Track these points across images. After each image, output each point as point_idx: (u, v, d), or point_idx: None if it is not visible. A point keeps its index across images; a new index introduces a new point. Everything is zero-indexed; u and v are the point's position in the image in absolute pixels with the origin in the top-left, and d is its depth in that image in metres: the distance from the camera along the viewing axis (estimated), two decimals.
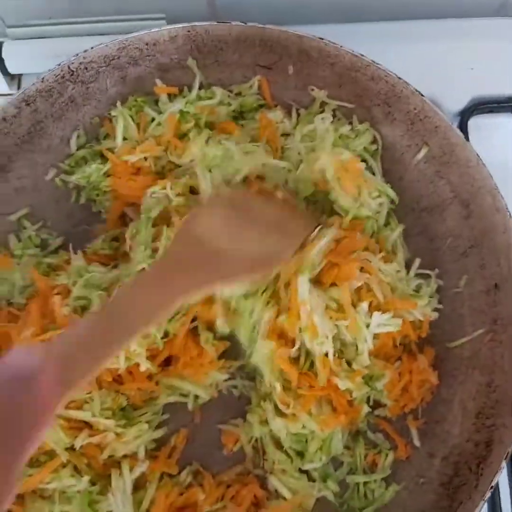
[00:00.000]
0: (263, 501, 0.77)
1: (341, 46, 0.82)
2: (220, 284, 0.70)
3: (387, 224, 0.87)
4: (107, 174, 0.88)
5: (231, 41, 0.86)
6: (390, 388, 0.78)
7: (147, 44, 0.85)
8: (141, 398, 0.79)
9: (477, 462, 0.71)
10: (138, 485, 0.75)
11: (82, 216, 0.91)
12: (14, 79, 1.04)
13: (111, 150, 0.87)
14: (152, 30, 0.84)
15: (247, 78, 0.92)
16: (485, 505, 0.80)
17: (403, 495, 0.78)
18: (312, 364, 0.76)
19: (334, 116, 0.89)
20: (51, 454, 0.72)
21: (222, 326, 0.77)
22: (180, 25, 0.84)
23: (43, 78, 0.83)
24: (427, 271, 0.84)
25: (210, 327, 0.79)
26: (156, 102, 0.90)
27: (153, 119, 0.88)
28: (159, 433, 0.80)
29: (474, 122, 1.00)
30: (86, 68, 0.85)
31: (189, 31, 0.85)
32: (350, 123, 0.89)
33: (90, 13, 1.01)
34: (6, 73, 1.02)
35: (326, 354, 0.74)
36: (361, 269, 0.76)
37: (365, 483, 0.79)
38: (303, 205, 0.83)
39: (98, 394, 0.74)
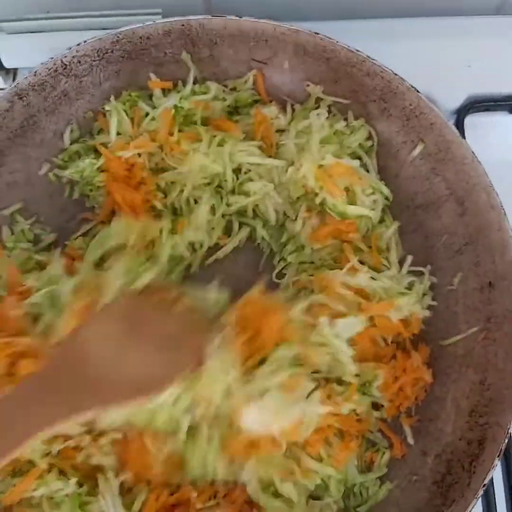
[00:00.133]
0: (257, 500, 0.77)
1: (337, 41, 0.82)
2: (98, 410, 0.63)
3: (381, 221, 0.87)
4: (100, 169, 0.87)
5: (225, 35, 0.86)
6: (385, 388, 0.78)
7: (141, 38, 0.85)
8: None
9: (469, 460, 0.71)
10: (128, 487, 0.75)
11: (75, 211, 0.90)
12: (9, 73, 1.03)
13: (104, 144, 0.87)
14: (146, 24, 0.83)
15: (242, 73, 0.91)
16: (480, 503, 0.81)
17: (396, 493, 0.77)
18: None
19: (329, 112, 0.88)
20: (32, 463, 0.72)
21: None
22: (174, 19, 0.84)
23: (35, 72, 0.82)
24: (420, 268, 0.84)
25: None
26: (150, 96, 0.89)
27: (147, 114, 0.87)
28: None
29: (470, 120, 1.00)
30: (79, 62, 0.84)
31: (183, 25, 0.84)
32: (346, 119, 0.88)
33: (86, 7, 1.00)
34: (1, 67, 1.01)
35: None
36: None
37: (361, 482, 0.79)
38: (205, 316, 0.78)
39: None
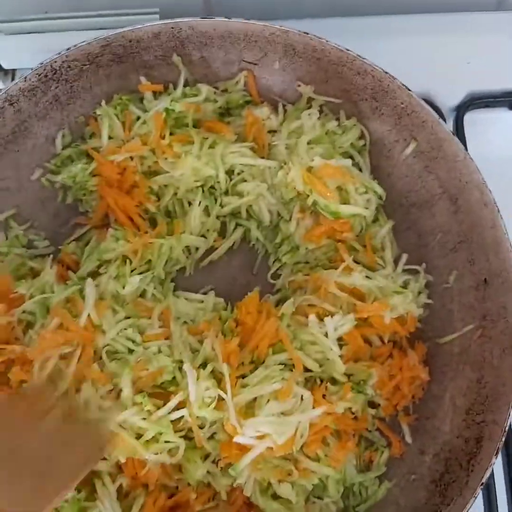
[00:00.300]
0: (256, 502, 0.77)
1: (326, 41, 0.81)
2: None
3: (375, 220, 0.87)
4: (93, 174, 0.87)
5: (215, 37, 0.85)
6: (380, 386, 0.78)
7: (130, 41, 0.84)
8: None
9: (467, 459, 0.71)
10: (126, 491, 0.75)
11: (68, 216, 0.90)
12: (8, 74, 1.03)
13: (96, 149, 0.87)
14: (136, 27, 0.83)
15: (233, 74, 0.91)
16: (481, 502, 0.81)
17: (395, 492, 0.77)
18: None
19: (321, 111, 0.88)
20: None
21: None
22: (164, 22, 0.83)
23: (25, 77, 0.82)
24: (415, 267, 0.84)
25: None
26: (141, 100, 0.89)
27: (138, 118, 0.87)
28: None
29: (470, 117, 0.99)
30: (69, 67, 0.84)
31: (172, 28, 0.84)
32: (337, 118, 0.88)
33: (84, 7, 0.99)
34: (0, 68, 1.01)
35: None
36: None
37: (360, 481, 0.79)
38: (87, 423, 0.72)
39: None
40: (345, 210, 0.82)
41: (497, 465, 0.83)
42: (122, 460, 0.71)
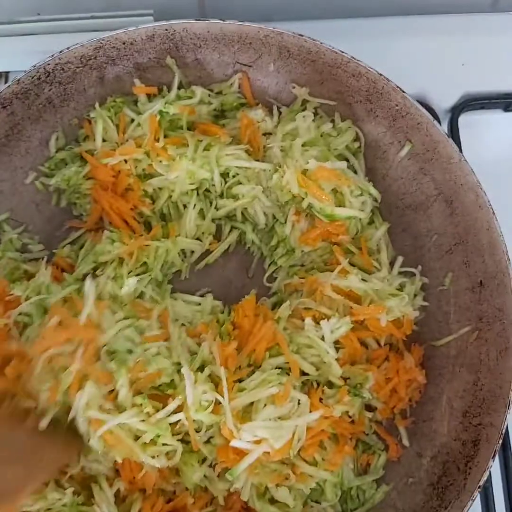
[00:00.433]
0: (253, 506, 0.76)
1: (321, 43, 0.81)
2: None
3: (371, 222, 0.87)
4: (87, 177, 0.86)
5: (209, 39, 0.85)
6: (377, 389, 0.78)
7: (124, 43, 0.84)
8: None
9: (465, 461, 0.71)
10: (123, 496, 0.74)
11: (63, 219, 0.90)
12: (1, 77, 1.02)
13: (90, 152, 0.86)
14: (129, 29, 0.83)
15: (227, 76, 0.90)
16: (479, 505, 0.81)
17: (393, 496, 0.77)
18: None
19: (316, 114, 0.88)
20: None
21: None
22: (158, 24, 0.83)
23: (18, 80, 0.81)
24: (411, 269, 0.84)
25: None
26: (135, 102, 0.89)
27: (132, 121, 0.87)
28: None
29: (465, 119, 1.00)
30: (63, 69, 0.83)
31: (166, 30, 0.83)
32: (332, 121, 0.88)
33: (77, 9, 0.99)
34: None
35: None
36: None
37: (357, 485, 0.78)
38: (62, 430, 0.72)
39: None
40: (340, 212, 0.82)
41: (495, 468, 0.83)
42: (119, 461, 0.71)
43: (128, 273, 0.81)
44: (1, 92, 0.80)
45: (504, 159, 0.99)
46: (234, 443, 0.69)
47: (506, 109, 1.03)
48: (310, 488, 0.74)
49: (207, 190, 0.88)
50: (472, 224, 0.78)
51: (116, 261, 0.81)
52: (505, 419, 0.68)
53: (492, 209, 0.75)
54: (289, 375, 0.74)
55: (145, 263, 0.83)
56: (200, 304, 0.84)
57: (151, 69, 0.88)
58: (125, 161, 0.85)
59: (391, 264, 0.85)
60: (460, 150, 0.89)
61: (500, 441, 0.67)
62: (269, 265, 0.88)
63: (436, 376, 0.80)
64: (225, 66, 0.89)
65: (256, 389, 0.72)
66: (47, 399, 0.70)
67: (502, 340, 0.72)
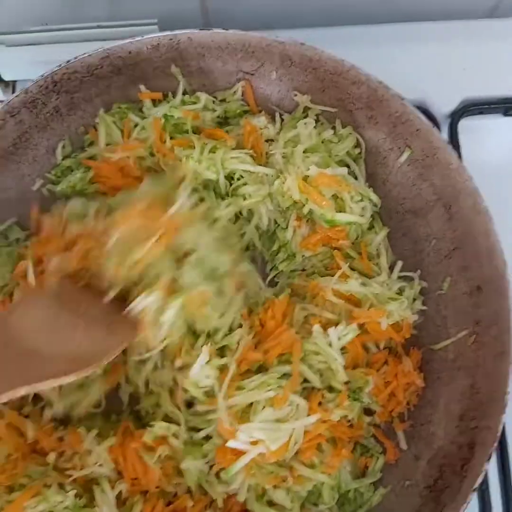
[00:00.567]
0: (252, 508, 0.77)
1: (322, 51, 0.83)
2: (29, 387, 0.61)
3: (371, 227, 0.88)
4: (91, 181, 0.88)
5: (213, 48, 0.87)
6: (376, 393, 0.79)
7: (130, 52, 0.86)
8: None
9: (461, 465, 0.71)
10: (124, 498, 0.76)
11: None
12: (9, 86, 1.04)
13: (94, 157, 0.88)
14: (135, 39, 0.84)
15: (231, 84, 0.92)
16: (476, 507, 0.81)
17: (390, 498, 0.78)
18: None
19: (317, 120, 0.89)
20: (31, 476, 0.73)
21: None
22: (162, 34, 0.85)
23: (27, 90, 0.83)
24: (410, 274, 0.85)
25: None
26: (141, 109, 0.91)
27: (136, 125, 0.89)
28: None
29: (465, 123, 1.00)
30: (70, 78, 0.85)
31: (171, 39, 0.85)
32: (333, 127, 0.89)
33: (84, 19, 1.01)
34: (0, 80, 1.02)
35: None
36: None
37: (355, 488, 0.79)
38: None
39: None
40: (340, 218, 0.83)
41: (492, 470, 0.83)
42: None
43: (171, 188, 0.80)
44: (9, 101, 0.82)
45: (504, 164, 1.00)
46: (230, 443, 0.70)
47: (506, 113, 1.03)
48: (308, 491, 0.75)
49: (213, 191, 0.89)
50: (471, 230, 0.78)
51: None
52: (501, 422, 0.68)
53: (490, 214, 0.75)
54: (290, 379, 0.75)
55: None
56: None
57: (156, 78, 0.90)
58: (129, 158, 0.86)
59: (391, 268, 0.86)
60: (460, 155, 0.91)
61: (496, 445, 0.68)
62: (271, 270, 0.89)
63: (434, 379, 0.80)
64: (229, 74, 0.91)
65: (254, 390, 0.73)
66: (114, 274, 0.72)
67: (499, 344, 0.73)
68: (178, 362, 0.75)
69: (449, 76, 1.04)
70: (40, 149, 0.89)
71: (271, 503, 0.75)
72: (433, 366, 0.81)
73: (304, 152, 0.85)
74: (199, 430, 0.76)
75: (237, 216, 0.90)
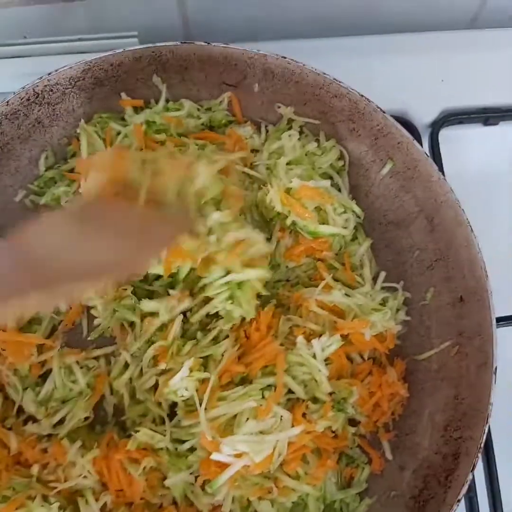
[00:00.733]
0: None
1: (304, 65, 0.83)
2: (44, 293, 0.57)
3: (354, 238, 0.88)
4: (76, 194, 0.88)
5: (195, 61, 0.87)
6: (361, 403, 0.79)
7: (112, 65, 0.86)
8: None
9: (445, 475, 0.72)
10: (109, 510, 0.75)
11: None
12: None
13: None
14: (117, 51, 0.84)
15: (214, 96, 0.92)
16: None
17: (376, 509, 0.78)
18: None
19: (301, 132, 0.90)
20: (15, 488, 0.73)
21: None
22: (145, 46, 0.85)
23: (8, 102, 0.83)
24: (393, 284, 0.85)
25: None
26: (123, 118, 0.90)
27: (119, 133, 0.88)
28: None
29: (445, 134, 1.01)
30: (52, 90, 0.85)
31: (153, 52, 0.85)
32: (317, 139, 0.89)
33: (63, 32, 1.01)
34: None
35: None
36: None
37: (341, 498, 0.79)
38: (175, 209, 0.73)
39: None
40: (324, 230, 0.83)
41: (479, 478, 0.84)
42: None
43: None
44: None
45: (484, 173, 1.01)
46: (214, 456, 0.70)
47: (485, 123, 1.05)
48: (293, 502, 0.75)
49: None
50: (452, 241, 0.79)
51: None
52: (484, 432, 0.69)
53: (471, 226, 0.77)
54: (274, 391, 0.75)
55: None
56: None
57: (139, 89, 0.90)
58: None
59: (374, 279, 0.87)
60: (441, 164, 0.92)
61: (479, 455, 0.69)
62: None
63: (418, 390, 0.81)
64: (212, 86, 0.91)
65: (236, 401, 0.73)
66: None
67: (482, 354, 0.74)
68: (162, 365, 0.75)
69: (429, 87, 1.05)
70: (22, 160, 0.88)
71: None
72: (417, 376, 0.82)
73: (287, 164, 0.86)
74: (183, 441, 0.76)
75: None
